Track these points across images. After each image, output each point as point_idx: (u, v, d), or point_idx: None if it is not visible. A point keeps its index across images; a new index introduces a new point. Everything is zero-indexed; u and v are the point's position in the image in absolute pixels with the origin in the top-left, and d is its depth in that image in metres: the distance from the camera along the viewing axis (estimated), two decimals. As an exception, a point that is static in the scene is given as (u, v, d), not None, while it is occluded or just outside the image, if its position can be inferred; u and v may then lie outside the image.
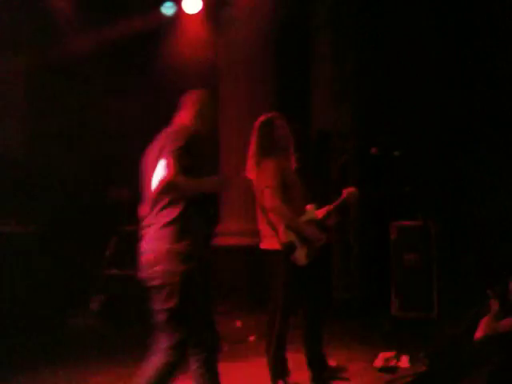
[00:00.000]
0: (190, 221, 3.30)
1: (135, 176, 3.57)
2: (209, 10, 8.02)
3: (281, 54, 8.13)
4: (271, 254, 4.27)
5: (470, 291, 5.57)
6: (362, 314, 7.05)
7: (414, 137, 7.02)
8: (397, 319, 6.33)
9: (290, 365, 4.43)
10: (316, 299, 4.48)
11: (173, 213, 3.26)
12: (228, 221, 8.04)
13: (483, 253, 6.53)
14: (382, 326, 6.27)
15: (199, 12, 7.91)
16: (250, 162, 4.42)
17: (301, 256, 4.24)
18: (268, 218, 4.25)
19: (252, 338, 6.00)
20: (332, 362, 4.67)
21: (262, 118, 4.49)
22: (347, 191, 4.51)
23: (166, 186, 3.13)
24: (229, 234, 7.94)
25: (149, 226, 3.33)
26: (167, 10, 7.94)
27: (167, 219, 3.26)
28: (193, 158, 3.25)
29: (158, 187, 3.15)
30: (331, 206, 4.51)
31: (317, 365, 4.47)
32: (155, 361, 3.28)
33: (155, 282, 3.27)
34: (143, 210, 3.49)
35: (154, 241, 3.28)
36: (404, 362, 4.88)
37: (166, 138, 3.32)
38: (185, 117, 3.55)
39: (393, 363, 4.87)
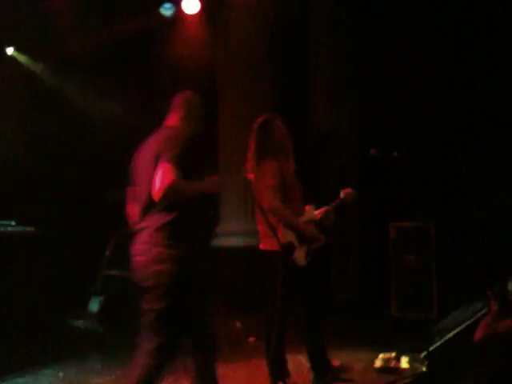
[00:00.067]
0: (185, 224, 3.33)
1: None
2: (208, 10, 8.02)
3: (280, 54, 8.12)
4: (270, 254, 4.27)
5: (470, 291, 5.57)
6: (361, 314, 7.04)
7: (413, 137, 7.02)
8: (396, 320, 6.33)
9: (290, 366, 4.43)
10: (315, 299, 4.48)
11: (167, 216, 3.28)
12: (227, 221, 8.04)
13: (483, 253, 6.52)
14: (382, 327, 6.27)
15: (198, 13, 7.91)
16: (250, 163, 4.43)
17: (300, 256, 4.25)
18: (267, 218, 4.25)
19: (251, 339, 6.00)
20: (335, 362, 4.67)
21: (260, 119, 4.50)
22: (345, 192, 4.54)
23: (169, 191, 3.16)
24: (228, 235, 7.94)
25: (143, 228, 3.34)
26: (166, 10, 7.93)
27: (161, 222, 3.28)
28: (189, 162, 3.28)
29: (159, 192, 3.17)
30: (329, 207, 4.52)
31: (319, 365, 4.47)
32: (141, 362, 3.29)
33: (147, 283, 3.29)
34: (131, 209, 3.52)
35: (148, 243, 3.30)
36: (404, 362, 4.87)
37: (161, 144, 3.33)
38: (174, 119, 3.58)
39: (392, 364, 4.86)
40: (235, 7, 8.01)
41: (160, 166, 3.21)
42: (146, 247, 3.30)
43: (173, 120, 3.60)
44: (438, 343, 4.56)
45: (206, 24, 8.13)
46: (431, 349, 4.53)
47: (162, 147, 3.29)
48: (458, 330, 4.57)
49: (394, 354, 4.95)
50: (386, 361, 4.87)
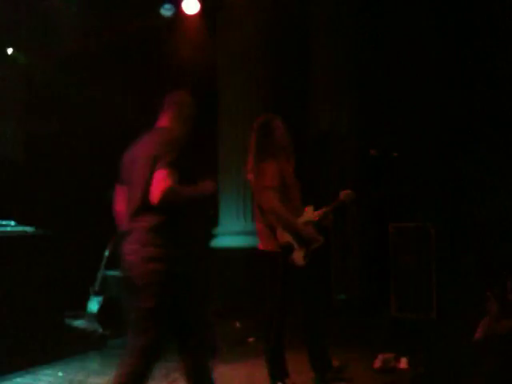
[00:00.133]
0: (177, 225, 3.34)
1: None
2: (208, 10, 8.01)
3: (280, 54, 8.12)
4: (269, 254, 4.28)
5: (470, 292, 5.58)
6: (361, 314, 7.03)
7: (413, 137, 7.02)
8: (396, 320, 6.33)
9: (290, 366, 4.43)
10: (315, 299, 4.48)
11: (160, 217, 3.29)
12: (227, 221, 8.04)
13: (483, 253, 6.51)
14: (382, 327, 6.27)
15: (198, 13, 7.90)
16: (249, 163, 4.43)
17: (298, 257, 4.25)
18: (266, 218, 4.25)
19: (251, 339, 6.00)
20: (335, 362, 4.67)
21: (260, 119, 4.50)
22: (344, 193, 4.55)
23: (166, 196, 3.17)
24: (228, 235, 7.95)
25: (135, 227, 3.34)
26: (166, 11, 7.93)
27: (154, 222, 3.29)
28: (185, 164, 3.31)
29: (157, 197, 3.19)
30: (328, 208, 4.53)
31: (319, 365, 4.47)
32: (128, 362, 3.29)
33: (137, 282, 3.30)
34: (119, 207, 3.54)
35: (140, 243, 3.31)
36: (403, 363, 4.87)
37: (157, 147, 3.33)
38: (167, 120, 3.59)
39: (392, 364, 4.86)
40: (235, 7, 8.01)
41: (158, 171, 3.23)
42: (137, 246, 3.31)
43: (165, 121, 3.61)
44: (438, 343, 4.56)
45: (205, 24, 8.13)
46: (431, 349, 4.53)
47: (159, 152, 3.30)
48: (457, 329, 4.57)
49: (393, 355, 4.95)
50: (386, 361, 4.86)
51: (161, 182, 3.20)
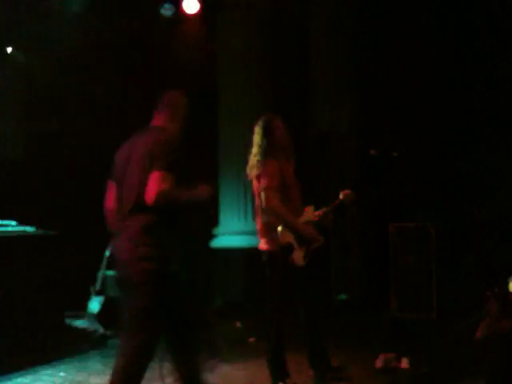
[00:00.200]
0: (171, 225, 3.34)
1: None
2: (208, 10, 8.02)
3: (280, 54, 8.13)
4: (270, 254, 4.28)
5: (470, 292, 5.58)
6: (361, 314, 7.04)
7: (413, 137, 7.03)
8: (396, 320, 6.33)
9: (290, 366, 4.43)
10: (315, 299, 4.48)
11: (154, 216, 3.28)
12: (227, 221, 8.04)
13: (483, 253, 6.53)
14: (382, 327, 6.27)
15: (198, 13, 7.91)
16: (250, 163, 4.43)
17: (298, 257, 4.25)
18: (267, 218, 4.26)
19: (252, 339, 6.00)
20: (335, 362, 4.68)
21: (261, 119, 4.50)
22: (343, 193, 4.55)
23: (161, 198, 3.18)
24: (228, 235, 7.95)
25: (128, 226, 3.34)
26: (166, 11, 7.93)
27: (148, 221, 3.28)
28: (181, 164, 3.32)
29: (152, 198, 3.19)
30: (328, 208, 4.53)
31: (319, 365, 4.48)
32: (121, 362, 3.29)
33: (130, 281, 3.30)
34: (110, 204, 3.53)
35: (133, 241, 3.30)
36: (404, 363, 4.87)
37: (153, 148, 3.33)
38: (162, 119, 3.59)
39: (393, 364, 4.86)
40: (235, 7, 8.01)
41: (154, 172, 3.22)
42: (130, 245, 3.31)
43: (160, 120, 3.60)
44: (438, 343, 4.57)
45: (205, 24, 8.13)
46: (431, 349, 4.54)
47: (155, 152, 3.29)
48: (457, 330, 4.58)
49: (394, 355, 4.95)
50: (387, 361, 4.86)
51: (156, 184, 3.19)
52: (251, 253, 5.11)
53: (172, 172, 3.25)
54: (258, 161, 4.36)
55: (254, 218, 4.52)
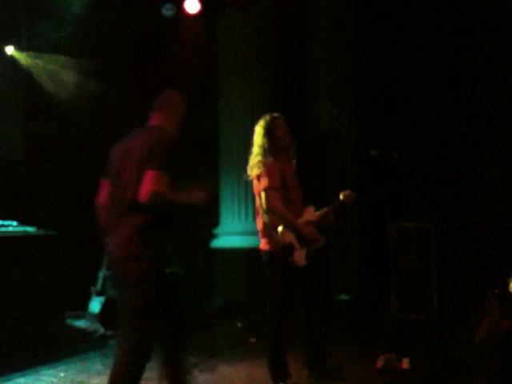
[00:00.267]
0: (165, 225, 3.34)
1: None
2: (208, 10, 8.01)
3: (280, 54, 8.12)
4: (270, 254, 4.28)
5: (470, 292, 5.58)
6: (361, 315, 7.04)
7: (413, 137, 7.03)
8: (397, 320, 6.33)
9: (290, 366, 4.43)
10: (315, 300, 4.49)
11: (148, 215, 3.28)
12: (227, 221, 8.04)
13: (483, 253, 6.53)
14: (382, 327, 6.27)
15: (198, 13, 7.90)
16: (250, 163, 4.43)
17: (299, 257, 4.25)
18: (267, 218, 4.26)
19: (252, 340, 6.00)
20: (334, 363, 4.68)
21: (262, 119, 4.49)
22: (343, 193, 4.55)
23: (153, 199, 3.17)
24: (228, 235, 7.95)
25: (123, 225, 3.34)
26: (166, 11, 7.92)
27: (142, 221, 3.28)
28: (177, 164, 3.32)
29: (144, 198, 3.18)
30: (329, 208, 4.53)
31: (319, 366, 4.49)
32: (119, 362, 3.29)
33: (126, 280, 3.30)
34: (103, 200, 3.53)
35: (128, 240, 3.30)
36: (404, 363, 4.87)
37: (150, 147, 3.32)
38: (159, 118, 3.58)
39: (394, 364, 4.86)
40: (235, 7, 8.01)
41: (149, 172, 3.22)
42: (125, 244, 3.31)
43: (157, 119, 3.60)
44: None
45: (205, 24, 8.13)
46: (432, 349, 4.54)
47: (152, 152, 3.29)
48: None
49: (394, 355, 4.95)
50: (387, 361, 4.86)
51: (150, 183, 3.19)
52: (252, 253, 5.11)
53: (167, 172, 3.24)
54: (259, 161, 4.36)
55: (254, 218, 4.51)
